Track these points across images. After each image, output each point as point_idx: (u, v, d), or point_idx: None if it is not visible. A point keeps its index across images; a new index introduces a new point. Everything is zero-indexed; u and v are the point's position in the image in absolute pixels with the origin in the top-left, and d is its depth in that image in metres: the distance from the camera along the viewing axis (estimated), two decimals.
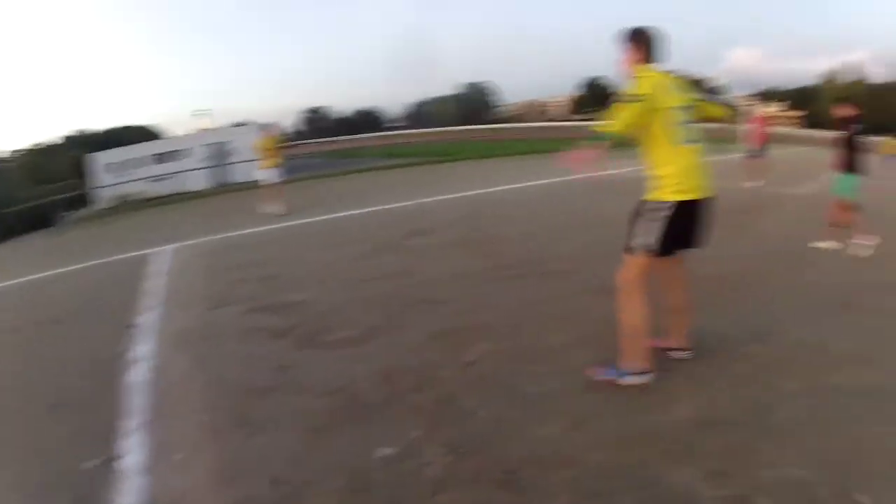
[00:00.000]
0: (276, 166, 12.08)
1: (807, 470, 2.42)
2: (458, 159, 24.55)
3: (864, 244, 6.00)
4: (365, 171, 21.88)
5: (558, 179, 12.12)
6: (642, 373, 3.18)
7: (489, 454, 2.71)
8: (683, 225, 3.12)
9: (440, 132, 44.03)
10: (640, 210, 3.15)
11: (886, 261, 5.61)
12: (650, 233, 3.09)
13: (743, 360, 3.48)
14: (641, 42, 3.17)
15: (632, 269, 3.17)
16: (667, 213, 3.06)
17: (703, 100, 3.36)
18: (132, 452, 2.99)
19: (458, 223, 8.95)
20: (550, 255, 6.20)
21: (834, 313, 4.23)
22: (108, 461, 2.94)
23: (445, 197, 12.00)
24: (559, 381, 3.34)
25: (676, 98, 3.08)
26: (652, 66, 3.16)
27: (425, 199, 11.82)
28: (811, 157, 19.59)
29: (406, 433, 2.92)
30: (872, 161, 6.61)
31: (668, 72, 3.19)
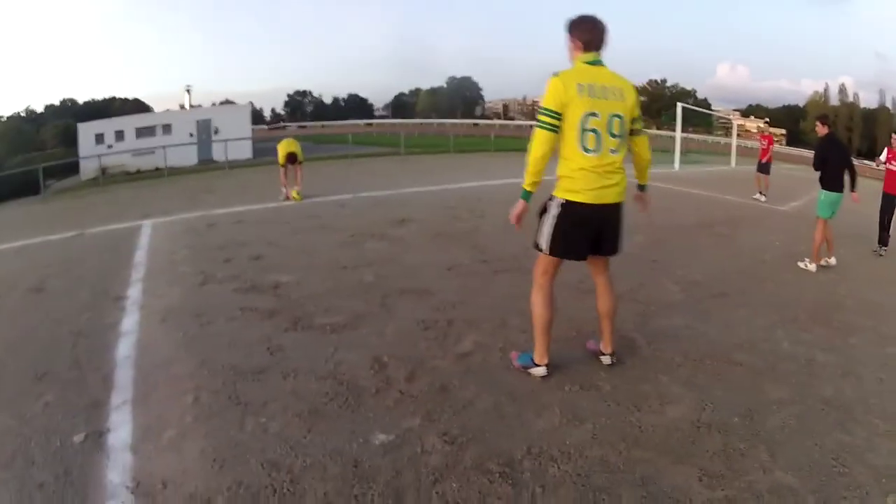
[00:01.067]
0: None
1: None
2: (440, 151, 24.54)
3: (824, 262, 6.47)
4: (343, 158, 21.77)
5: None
6: (537, 366, 3.28)
7: (488, 445, 2.71)
8: (582, 229, 3.04)
9: (420, 124, 44.26)
10: (542, 206, 3.13)
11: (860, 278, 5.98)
12: (542, 232, 3.10)
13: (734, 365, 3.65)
14: (579, 32, 3.03)
15: (538, 265, 3.23)
16: (556, 211, 3.02)
17: (638, 118, 3.12)
18: (120, 428, 2.91)
19: (438, 214, 8.96)
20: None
21: (815, 327, 4.48)
22: (96, 435, 2.86)
23: (424, 189, 12.04)
24: (551, 375, 3.35)
25: (593, 104, 2.89)
26: (589, 59, 3.01)
27: (406, 190, 11.88)
28: (795, 174, 20.09)
29: (403, 421, 2.88)
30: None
31: (605, 69, 3.02)
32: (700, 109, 58.05)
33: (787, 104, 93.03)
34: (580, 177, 2.93)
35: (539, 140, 2.90)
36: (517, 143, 25.51)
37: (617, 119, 2.93)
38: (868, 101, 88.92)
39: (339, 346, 3.76)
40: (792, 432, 2.95)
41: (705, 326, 4.24)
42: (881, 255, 7.39)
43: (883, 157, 7.90)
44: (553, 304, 3.20)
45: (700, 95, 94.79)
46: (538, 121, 2.94)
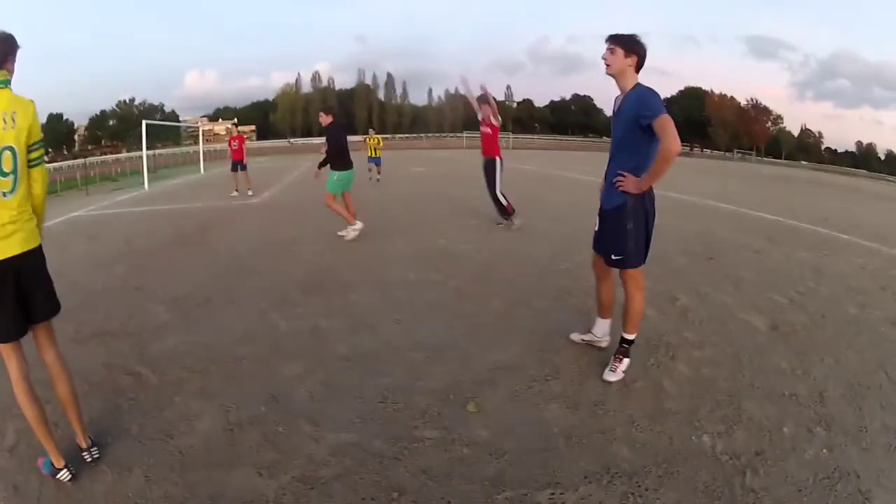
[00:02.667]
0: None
1: None
2: None
3: (353, 229, 7.65)
4: None
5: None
6: (59, 470, 2.51)
7: None
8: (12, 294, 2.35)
9: None
10: None
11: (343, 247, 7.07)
12: None
13: None
14: None
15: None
16: None
17: (37, 148, 2.45)
18: None
19: None
20: None
21: (308, 299, 5.13)
22: None
23: None
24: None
25: None
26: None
27: None
28: (266, 166, 21.73)
29: None
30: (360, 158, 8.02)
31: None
32: (165, 123, 56.89)
33: (255, 101, 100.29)
34: None
35: None
36: None
37: (8, 152, 2.31)
38: (346, 82, 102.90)
39: None
40: (324, 397, 3.20)
41: (199, 335, 4.24)
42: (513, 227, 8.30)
43: None
44: (34, 394, 2.47)
45: (169, 108, 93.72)
46: None
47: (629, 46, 3.16)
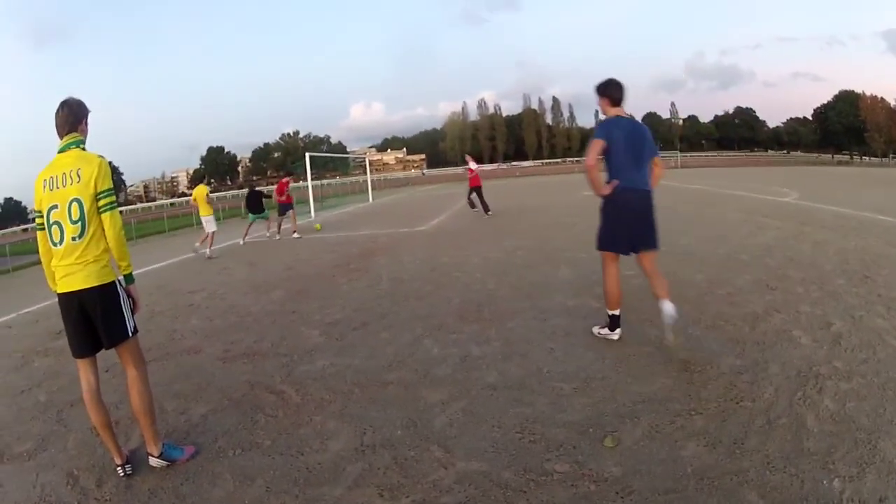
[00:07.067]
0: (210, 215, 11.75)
1: None
2: None
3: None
4: None
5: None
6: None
7: None
8: (78, 320, 2.81)
9: None
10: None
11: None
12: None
13: None
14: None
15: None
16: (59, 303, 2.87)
17: (105, 192, 2.78)
18: None
19: None
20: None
21: (465, 326, 5.04)
22: None
23: None
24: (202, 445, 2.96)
25: (52, 196, 2.76)
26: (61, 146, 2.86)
27: None
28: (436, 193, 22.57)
29: None
30: None
31: (70, 153, 2.81)
32: (330, 155, 61.22)
33: (423, 130, 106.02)
34: (57, 269, 2.81)
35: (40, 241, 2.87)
36: (159, 226, 23.73)
37: (75, 203, 2.74)
38: (512, 108, 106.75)
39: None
40: (463, 425, 3.08)
41: (349, 359, 4.29)
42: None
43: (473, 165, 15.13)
44: (99, 404, 2.87)
45: (335, 139, 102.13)
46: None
47: (599, 92, 4.21)
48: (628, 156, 4.08)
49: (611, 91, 4.14)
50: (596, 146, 4.05)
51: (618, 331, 4.26)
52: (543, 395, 3.42)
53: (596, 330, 4.40)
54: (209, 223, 11.46)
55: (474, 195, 15.09)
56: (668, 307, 3.92)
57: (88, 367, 2.87)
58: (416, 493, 2.48)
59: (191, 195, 13.41)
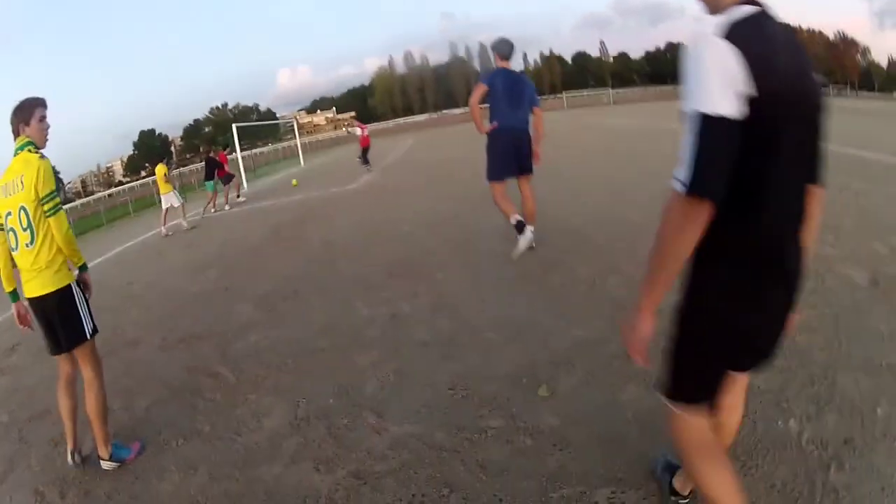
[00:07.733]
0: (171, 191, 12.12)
1: None
2: None
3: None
4: None
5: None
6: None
7: None
8: (44, 323, 2.93)
9: None
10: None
11: None
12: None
13: None
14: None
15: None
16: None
17: (47, 200, 2.77)
18: None
19: None
20: None
21: (392, 282, 5.13)
22: None
23: None
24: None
25: (6, 203, 2.80)
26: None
27: None
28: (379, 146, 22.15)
29: None
30: None
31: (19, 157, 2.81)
32: (258, 123, 58.87)
33: (351, 88, 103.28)
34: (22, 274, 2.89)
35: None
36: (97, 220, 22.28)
37: (22, 212, 2.79)
38: (439, 59, 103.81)
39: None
40: (394, 387, 3.19)
41: (281, 330, 4.40)
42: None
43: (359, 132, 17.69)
44: (69, 392, 3.01)
45: (264, 107, 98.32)
46: None
47: (492, 48, 5.30)
48: (506, 100, 5.08)
49: (500, 47, 5.28)
50: (479, 89, 5.10)
51: (527, 229, 5.02)
52: (474, 348, 3.49)
53: (514, 254, 5.03)
54: (170, 199, 11.93)
55: (367, 154, 17.56)
56: (528, 232, 4.96)
57: (66, 360, 2.99)
58: (350, 463, 2.58)
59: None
